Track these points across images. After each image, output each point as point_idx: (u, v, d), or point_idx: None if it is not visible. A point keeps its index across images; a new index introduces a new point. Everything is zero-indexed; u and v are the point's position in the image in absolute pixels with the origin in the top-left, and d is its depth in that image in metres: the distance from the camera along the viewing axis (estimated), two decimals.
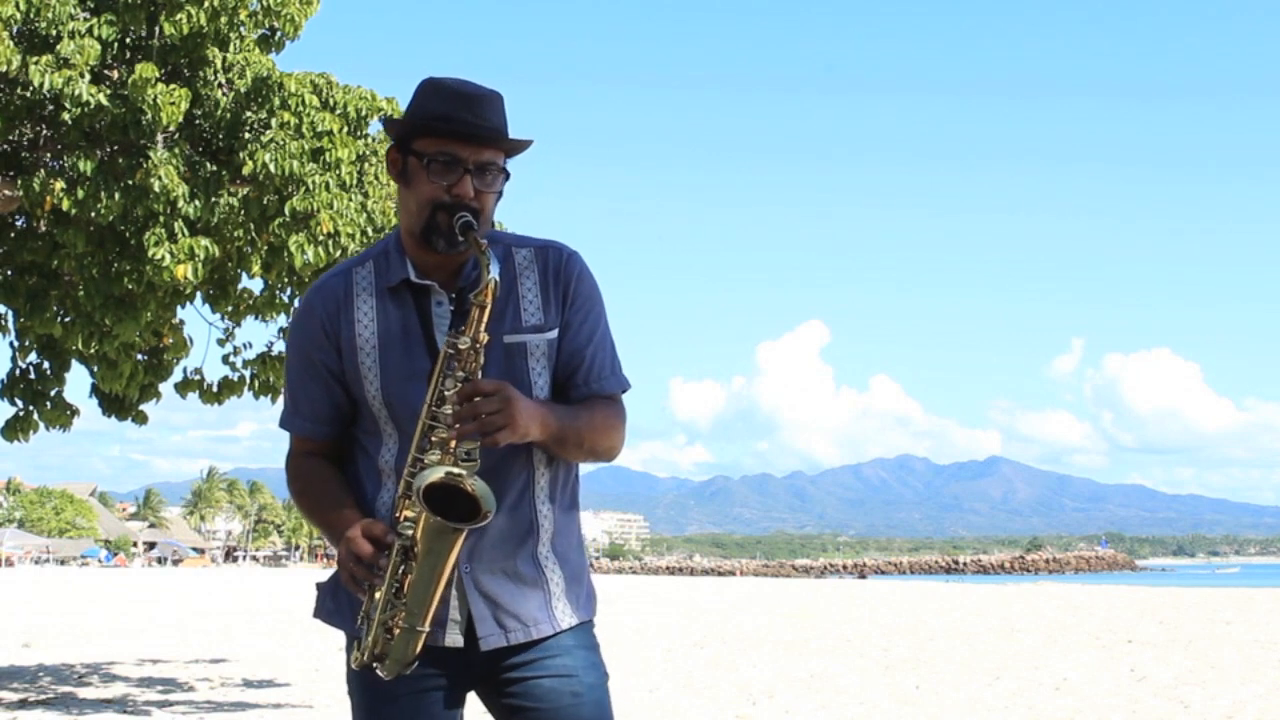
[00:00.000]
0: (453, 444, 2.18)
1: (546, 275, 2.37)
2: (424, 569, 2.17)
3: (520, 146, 2.33)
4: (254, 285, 9.21)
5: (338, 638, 2.51)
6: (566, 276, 2.37)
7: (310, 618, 2.57)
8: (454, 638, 2.29)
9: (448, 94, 2.28)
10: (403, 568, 2.18)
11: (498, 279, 2.18)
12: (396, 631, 2.21)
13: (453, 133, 2.26)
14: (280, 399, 9.45)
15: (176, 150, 7.84)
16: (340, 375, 2.36)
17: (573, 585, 2.39)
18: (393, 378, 2.31)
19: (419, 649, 2.22)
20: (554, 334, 2.35)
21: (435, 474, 2.16)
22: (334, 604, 2.41)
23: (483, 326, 2.20)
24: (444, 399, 2.19)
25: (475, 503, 2.15)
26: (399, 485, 2.29)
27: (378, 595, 2.21)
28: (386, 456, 2.34)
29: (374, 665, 2.25)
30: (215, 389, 9.72)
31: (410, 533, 2.17)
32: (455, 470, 2.16)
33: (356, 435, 2.40)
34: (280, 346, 9.62)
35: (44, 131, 8.25)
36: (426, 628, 2.21)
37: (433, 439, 2.20)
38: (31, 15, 7.56)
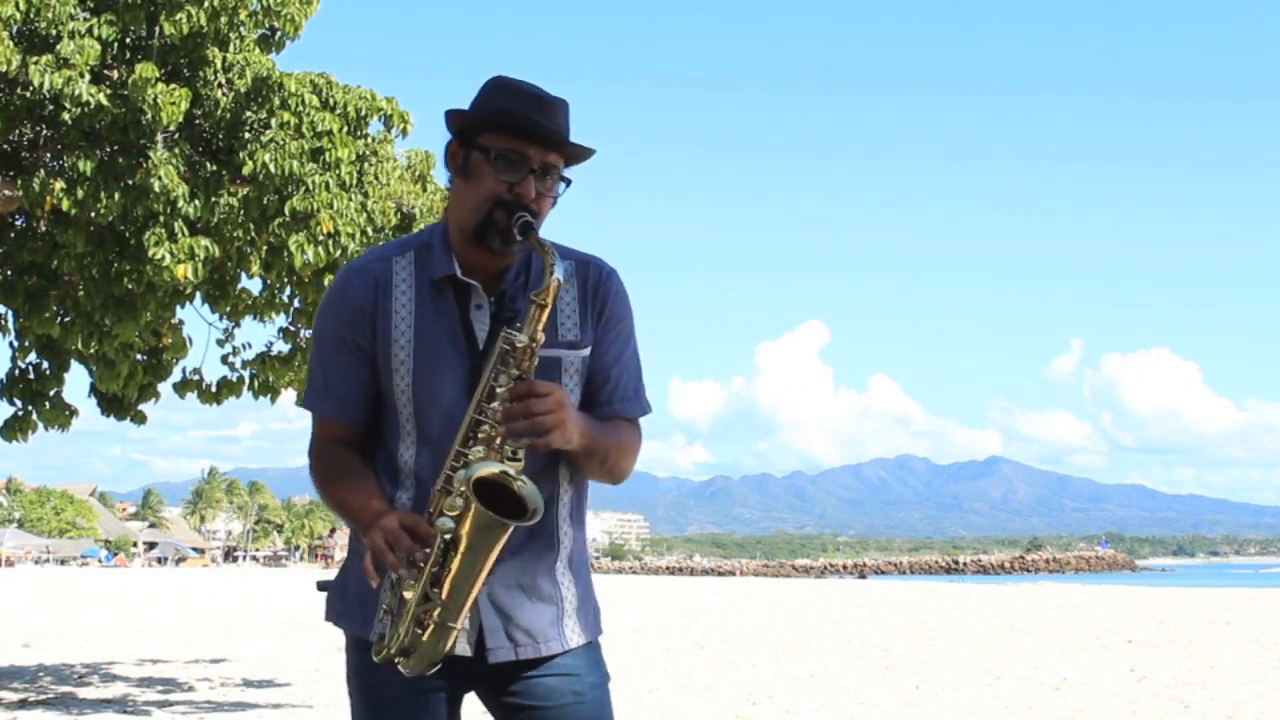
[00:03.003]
0: (498, 441, 2.14)
1: (585, 291, 2.35)
2: (466, 563, 2.11)
3: (583, 155, 2.31)
4: (253, 285, 9.21)
5: (338, 637, 2.50)
6: (604, 294, 2.36)
7: (310, 619, 2.55)
8: (463, 647, 2.27)
9: (519, 93, 2.27)
10: (442, 562, 2.12)
11: (561, 279, 2.15)
12: (429, 627, 2.15)
13: (523, 130, 2.23)
14: (279, 398, 9.53)
15: (176, 150, 7.84)
16: (373, 360, 2.31)
17: (584, 603, 2.38)
18: (424, 374, 2.28)
19: (448, 647, 2.17)
20: (588, 351, 2.34)
21: (487, 468, 2.10)
22: (343, 604, 2.39)
23: (540, 325, 2.16)
24: (494, 395, 2.15)
25: (521, 503, 2.09)
26: (416, 487, 2.26)
27: (408, 593, 2.14)
28: (405, 456, 2.31)
29: (397, 661, 2.18)
30: (214, 389, 9.73)
31: (452, 525, 2.11)
32: (508, 469, 2.11)
33: (380, 429, 2.35)
34: (280, 347, 9.62)
35: (44, 131, 8.25)
36: (459, 625, 2.16)
37: (479, 435, 2.15)
38: (31, 15, 7.56)
